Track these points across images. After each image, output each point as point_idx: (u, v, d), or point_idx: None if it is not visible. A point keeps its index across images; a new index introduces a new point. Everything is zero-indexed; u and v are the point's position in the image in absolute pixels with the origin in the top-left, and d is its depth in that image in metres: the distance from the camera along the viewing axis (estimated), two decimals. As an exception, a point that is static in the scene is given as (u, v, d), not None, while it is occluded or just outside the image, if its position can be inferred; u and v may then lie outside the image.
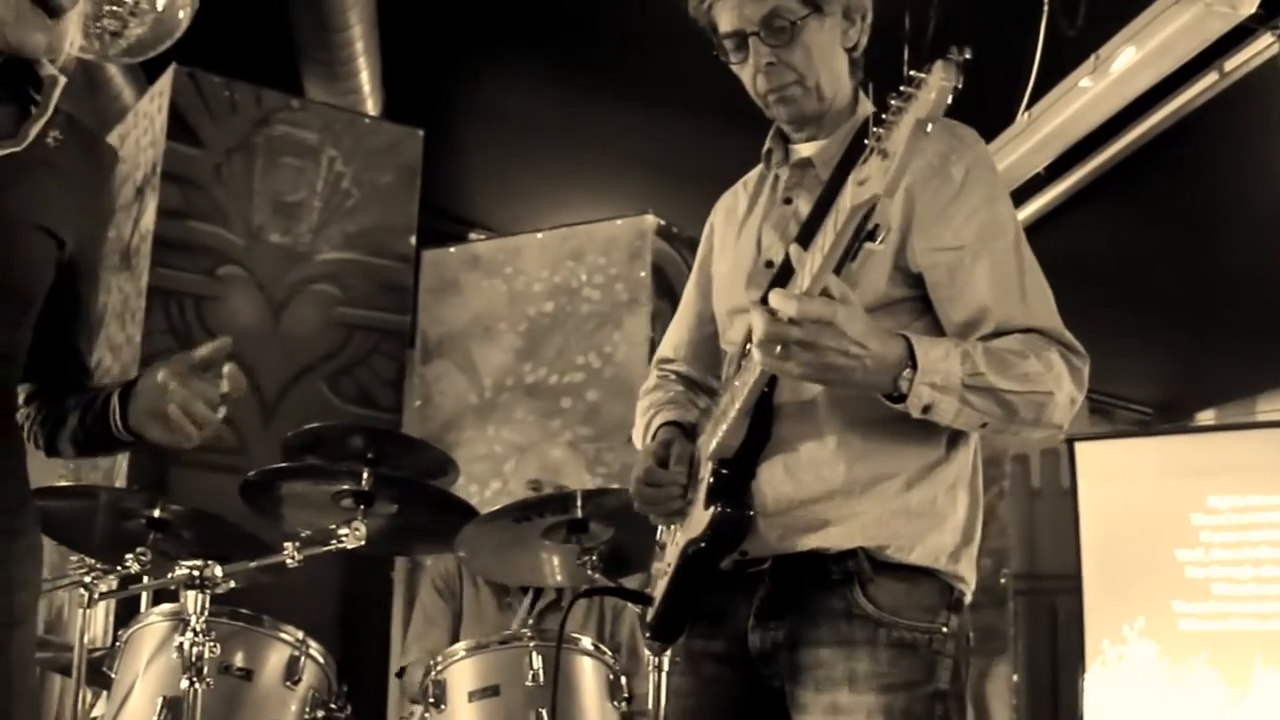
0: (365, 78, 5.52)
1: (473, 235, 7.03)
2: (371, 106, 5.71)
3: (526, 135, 6.24)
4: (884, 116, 1.69)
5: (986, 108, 4.74)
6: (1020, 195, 5.43)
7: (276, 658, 3.26)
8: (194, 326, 4.60)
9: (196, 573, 2.95)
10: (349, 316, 4.90)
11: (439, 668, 3.29)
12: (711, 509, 2.00)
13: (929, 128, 1.65)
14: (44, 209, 1.79)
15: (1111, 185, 5.55)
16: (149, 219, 4.58)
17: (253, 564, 3.10)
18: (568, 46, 5.66)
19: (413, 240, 5.10)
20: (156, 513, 3.30)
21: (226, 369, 1.77)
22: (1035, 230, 5.73)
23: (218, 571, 2.98)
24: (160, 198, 4.58)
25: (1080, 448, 5.32)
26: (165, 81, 4.69)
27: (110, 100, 5.23)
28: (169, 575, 3.00)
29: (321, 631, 4.08)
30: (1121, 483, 5.26)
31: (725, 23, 2.10)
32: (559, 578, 3.47)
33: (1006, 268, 1.99)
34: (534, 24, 5.55)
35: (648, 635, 2.17)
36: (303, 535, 3.25)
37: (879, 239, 1.90)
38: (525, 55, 5.70)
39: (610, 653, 3.37)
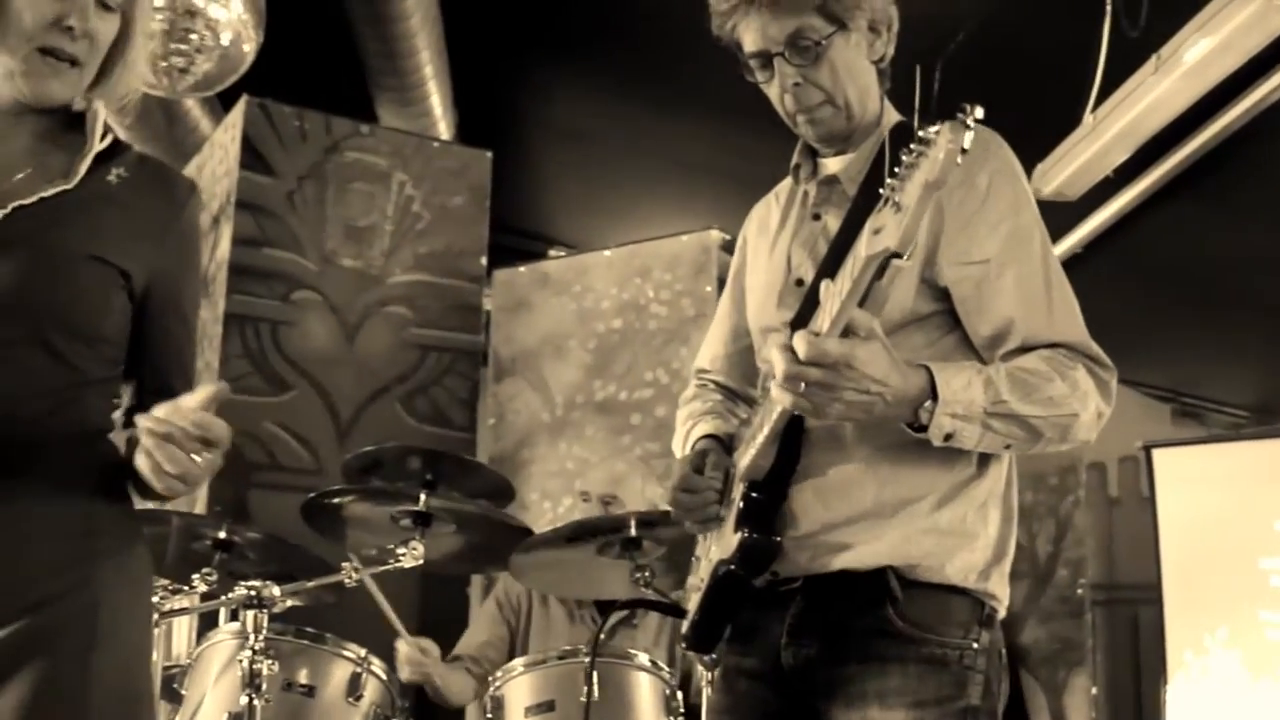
0: (436, 101, 5.60)
1: (552, 252, 7.10)
2: (444, 129, 5.79)
3: (598, 152, 6.29)
4: (897, 170, 1.72)
5: (1053, 111, 4.73)
6: (1095, 197, 5.36)
7: (339, 674, 3.33)
8: (270, 351, 4.70)
9: (254, 593, 3.02)
10: (422, 337, 4.98)
11: (497, 684, 3.34)
12: (740, 534, 2.02)
13: (939, 190, 1.67)
14: (99, 241, 1.83)
15: (1193, 184, 5.45)
16: (224, 247, 4.70)
17: (310, 584, 3.16)
18: (634, 62, 5.70)
19: (483, 260, 5.16)
20: (222, 534, 3.38)
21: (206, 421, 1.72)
22: (1115, 233, 5.65)
23: (275, 591, 3.04)
24: (235, 226, 4.69)
25: (1159, 455, 5.20)
26: (237, 113, 4.80)
27: (188, 132, 5.37)
28: (227, 595, 3.07)
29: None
30: (1202, 489, 5.14)
31: (750, 42, 2.10)
32: (619, 593, 3.49)
33: (1033, 281, 1.99)
34: (601, 41, 5.60)
35: (683, 645, 2.20)
36: (360, 555, 3.32)
37: (906, 256, 1.92)
38: (592, 72, 5.75)
39: (668, 669, 3.38)
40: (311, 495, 3.35)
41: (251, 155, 4.76)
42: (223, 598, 3.10)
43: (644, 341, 4.97)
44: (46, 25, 1.81)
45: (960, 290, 2.01)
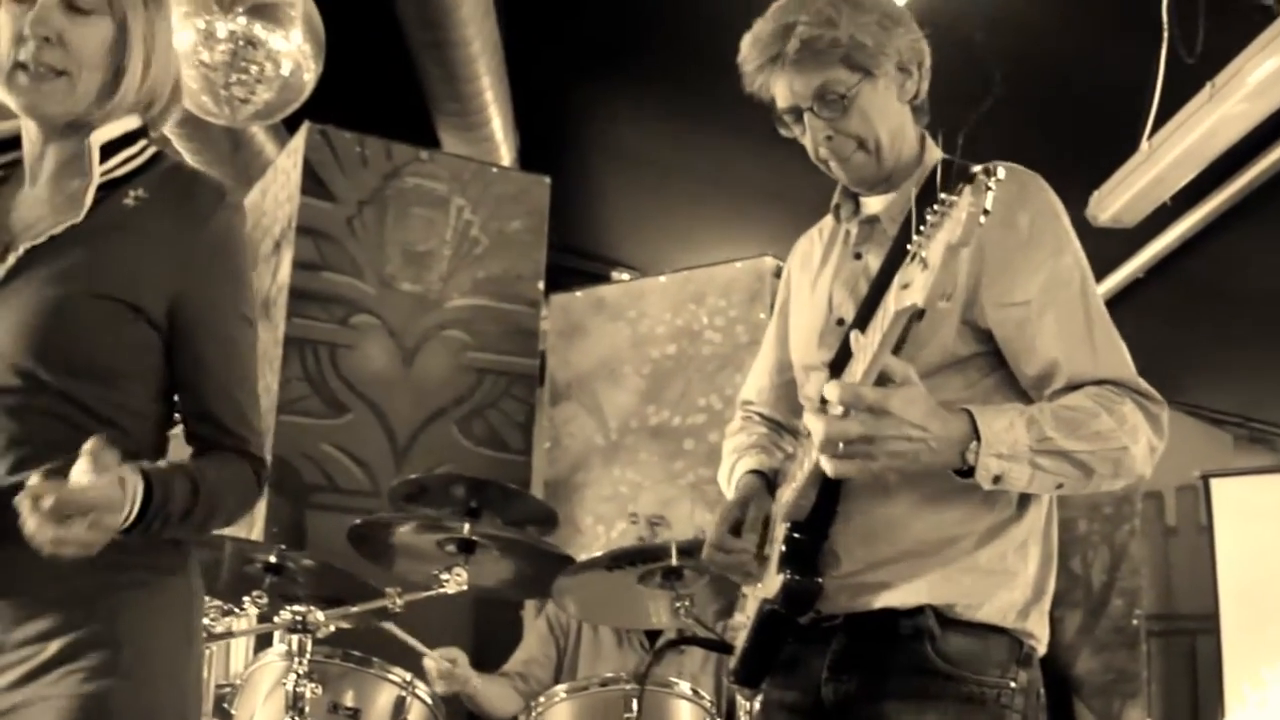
0: (498, 125, 5.67)
1: (614, 274, 7.16)
2: (505, 153, 5.86)
3: (658, 175, 6.33)
4: (922, 228, 1.74)
5: (1110, 138, 4.69)
6: (1156, 223, 5.31)
7: (385, 698, 3.39)
8: (328, 374, 4.78)
9: (299, 618, 3.08)
10: (479, 361, 5.03)
11: (539, 709, 3.37)
12: (782, 575, 2.05)
13: (963, 252, 1.68)
14: (103, 275, 1.78)
15: (1254, 209, 5.38)
16: (285, 271, 4.78)
17: (353, 610, 3.21)
18: (694, 87, 5.73)
19: (541, 285, 5.21)
20: (273, 558, 3.44)
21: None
22: (1177, 258, 5.59)
23: (319, 616, 3.10)
24: (295, 250, 4.78)
25: (1217, 484, 5.13)
26: (299, 139, 4.89)
27: (253, 156, 5.47)
28: (274, 619, 3.14)
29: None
30: (1261, 520, 5.05)
31: (781, 99, 2.11)
32: (662, 620, 3.52)
33: (1074, 320, 1.99)
34: (661, 65, 5.64)
35: (731, 681, 2.22)
36: (406, 580, 3.38)
37: (947, 296, 1.94)
38: (653, 96, 5.79)
39: (710, 697, 3.40)
40: (356, 523, 3.41)
41: (312, 181, 4.84)
42: (270, 621, 3.16)
43: (698, 367, 5.00)
44: (11, 42, 1.79)
45: (1003, 331, 2.02)
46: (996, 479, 1.89)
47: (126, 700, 1.73)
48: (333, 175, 4.89)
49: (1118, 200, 4.61)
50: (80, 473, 1.61)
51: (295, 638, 3.07)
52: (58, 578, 1.72)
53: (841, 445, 1.79)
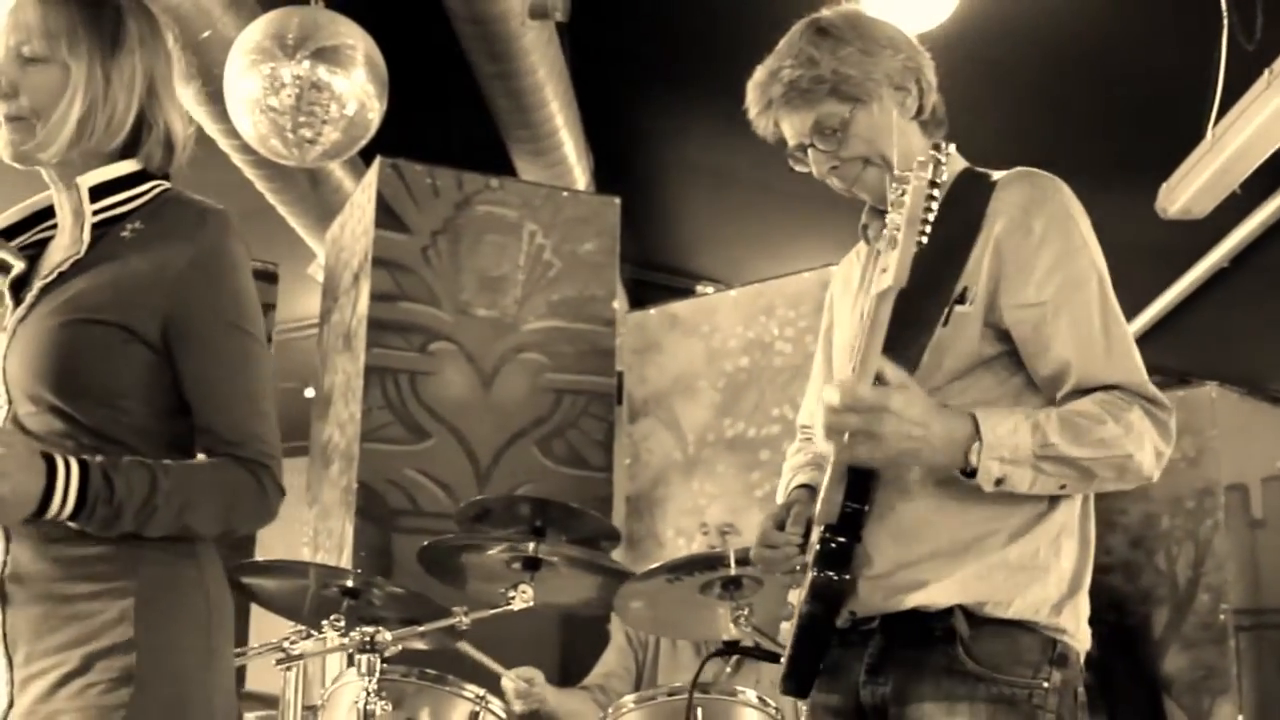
0: (570, 150, 5.78)
1: (699, 288, 7.21)
2: (579, 176, 5.96)
3: (732, 187, 6.38)
4: (888, 210, 1.85)
5: (1177, 129, 4.65)
6: (1236, 212, 5.25)
7: (458, 714, 3.48)
8: (409, 400, 4.90)
9: (368, 638, 3.19)
10: (557, 382, 5.12)
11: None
12: (810, 574, 2.11)
13: (919, 225, 1.78)
14: (96, 302, 1.88)
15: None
16: (363, 303, 4.92)
17: (420, 629, 3.31)
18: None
19: (615, 304, 5.28)
20: (349, 583, 3.56)
21: None
22: (1260, 246, 5.51)
23: (387, 636, 3.21)
24: (372, 282, 4.92)
25: (1308, 473, 5.06)
26: (372, 173, 5.04)
27: (332, 192, 5.64)
28: (343, 641, 3.25)
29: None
30: (1355, 509, 4.97)
31: (788, 137, 2.19)
32: (731, 630, 3.56)
33: (1088, 323, 2.03)
34: (726, 78, 5.68)
35: (781, 690, 2.27)
36: (476, 599, 3.47)
37: (968, 301, 2.01)
38: (719, 109, 5.82)
39: (775, 705, 3.44)
40: (424, 544, 3.51)
41: (386, 214, 4.98)
42: (339, 642, 3.27)
43: (770, 379, 5.04)
44: None
45: (1019, 333, 2.06)
46: (999, 481, 1.94)
47: (138, 707, 1.79)
48: (405, 207, 5.03)
49: (1185, 191, 4.57)
50: None
51: (364, 657, 3.16)
52: (77, 590, 1.82)
53: (845, 436, 1.89)
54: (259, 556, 5.18)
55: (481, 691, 3.50)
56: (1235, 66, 4.36)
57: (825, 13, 2.20)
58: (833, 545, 2.08)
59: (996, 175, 2.18)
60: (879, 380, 1.91)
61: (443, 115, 5.70)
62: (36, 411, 1.87)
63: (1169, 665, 4.61)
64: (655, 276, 7.19)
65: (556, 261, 5.21)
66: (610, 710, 3.47)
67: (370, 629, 3.19)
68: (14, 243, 2.04)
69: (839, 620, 2.13)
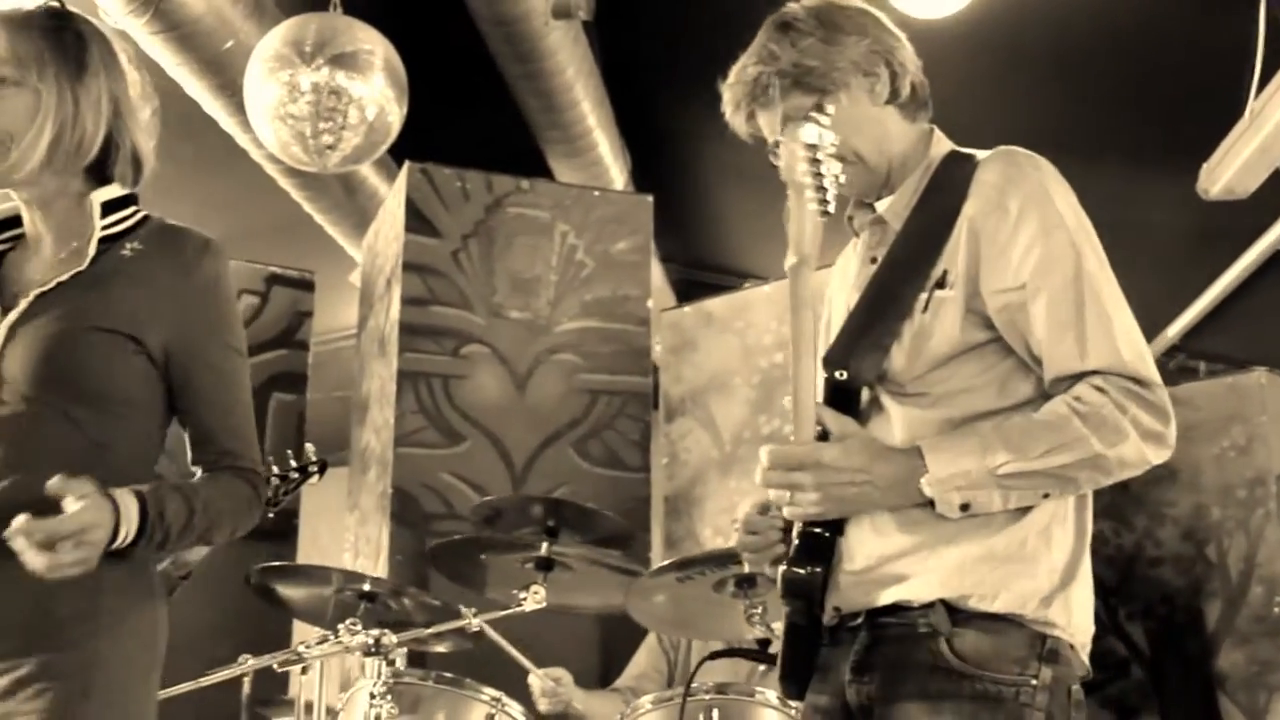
0: (605, 149, 5.74)
1: (747, 285, 7.13)
2: (616, 175, 5.93)
3: (777, 185, 6.30)
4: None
5: (1216, 106, 4.51)
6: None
7: (474, 717, 3.46)
8: (443, 404, 4.90)
9: (373, 641, 3.18)
10: (591, 383, 5.09)
11: (626, 721, 3.41)
12: (780, 569, 2.06)
13: (806, 193, 1.81)
14: (105, 312, 1.99)
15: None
16: (395, 308, 4.93)
17: (426, 631, 3.29)
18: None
19: (650, 304, 5.24)
20: (366, 586, 3.55)
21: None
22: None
23: (392, 639, 3.20)
24: (403, 287, 4.92)
25: (1364, 460, 4.85)
26: (401, 178, 5.04)
27: (367, 199, 5.64)
28: (346, 645, 3.24)
29: (582, 681, 4.27)
30: None
31: (765, 136, 2.15)
32: (737, 631, 3.51)
33: (1062, 307, 1.95)
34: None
35: (780, 693, 2.23)
36: (491, 600, 3.45)
37: (948, 285, 1.96)
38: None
39: (796, 706, 3.37)
40: (434, 544, 3.50)
41: (416, 218, 4.98)
42: (347, 645, 3.27)
43: (805, 374, 4.96)
44: None
45: (1000, 319, 1.99)
46: (964, 507, 1.91)
47: (100, 714, 1.89)
48: (435, 211, 5.02)
49: (1226, 171, 4.43)
50: (68, 503, 1.82)
51: (369, 660, 3.16)
52: (53, 595, 1.87)
53: (787, 494, 1.94)
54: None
55: (498, 694, 3.48)
56: (1274, 41, 4.23)
57: (792, 6, 2.17)
58: (812, 537, 2.03)
59: (981, 155, 2.12)
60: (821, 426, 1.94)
61: (477, 119, 5.69)
62: (29, 412, 1.94)
63: (1223, 661, 4.47)
64: (703, 275, 7.13)
65: (589, 262, 5.18)
66: (629, 710, 3.42)
67: (376, 632, 3.17)
68: None
69: (825, 618, 2.08)
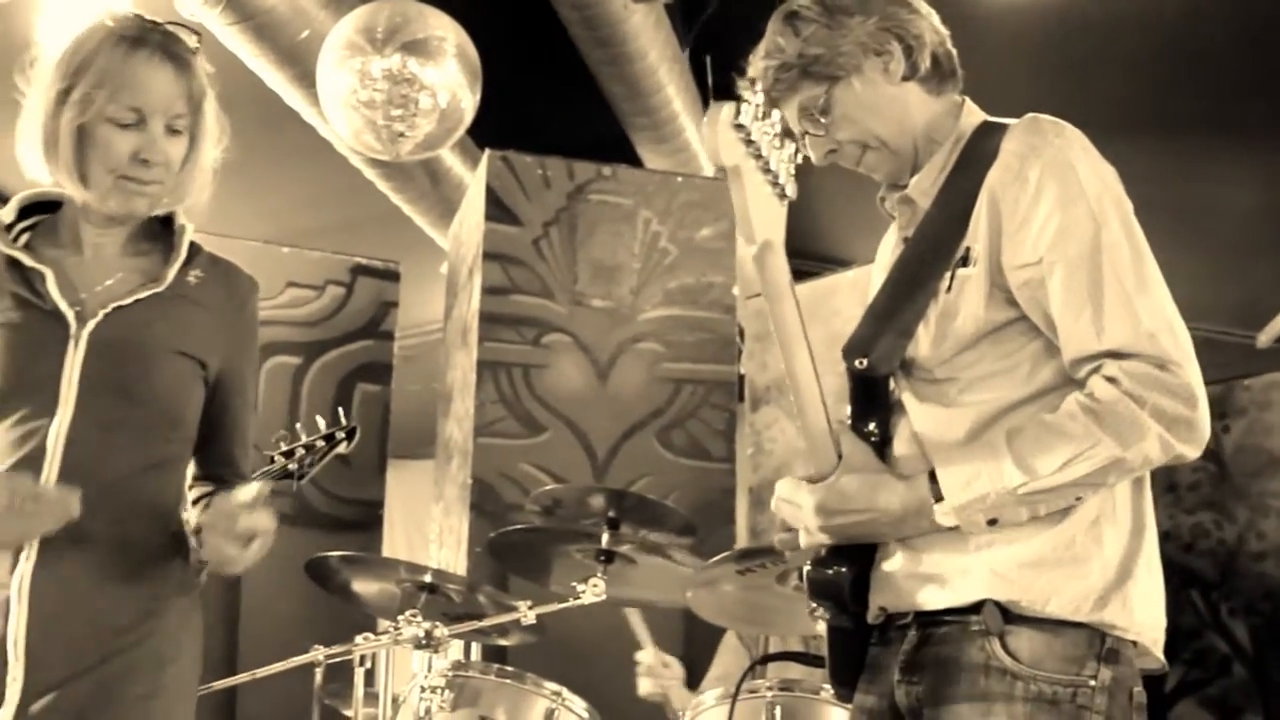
0: (692, 134, 5.66)
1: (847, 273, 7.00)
2: (705, 160, 5.83)
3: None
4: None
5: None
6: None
7: (534, 711, 3.40)
8: (523, 394, 4.85)
9: (424, 634, 3.14)
10: (675, 371, 5.00)
11: (686, 718, 3.33)
12: (806, 569, 2.01)
13: (747, 175, 1.78)
14: (184, 337, 2.12)
15: None
16: (476, 297, 4.89)
17: (480, 624, 3.24)
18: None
19: (735, 290, 5.14)
20: (427, 578, 3.51)
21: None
22: None
23: (444, 632, 3.16)
24: (483, 276, 4.88)
25: None
26: (482, 167, 5.00)
27: (452, 189, 5.63)
28: (399, 638, 3.20)
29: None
30: None
31: (794, 129, 2.09)
32: (797, 627, 3.41)
33: (1079, 282, 1.84)
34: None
35: (832, 695, 2.17)
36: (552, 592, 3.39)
37: (971, 263, 1.87)
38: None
39: (862, 703, 3.26)
40: (493, 535, 3.45)
41: (496, 207, 4.94)
42: (400, 638, 3.24)
43: (891, 361, 4.82)
44: (126, 158, 2.07)
45: (1022, 296, 1.89)
46: (992, 522, 1.83)
47: (163, 713, 2.04)
48: (516, 199, 4.97)
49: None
50: (243, 493, 2.01)
51: (421, 653, 3.12)
52: (116, 601, 2.01)
53: (801, 531, 1.94)
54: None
55: (559, 689, 3.41)
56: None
57: None
58: None
59: (1003, 121, 2.01)
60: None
61: (567, 106, 5.63)
62: (107, 425, 2.03)
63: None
64: (797, 263, 6.98)
65: (673, 249, 5.09)
66: (689, 710, 3.34)
67: (427, 624, 3.14)
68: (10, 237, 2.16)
69: (871, 616, 2.00)
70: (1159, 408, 1.76)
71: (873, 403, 2.03)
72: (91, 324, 2.04)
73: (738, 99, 1.74)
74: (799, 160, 1.88)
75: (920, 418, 1.95)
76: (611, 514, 3.40)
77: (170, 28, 2.15)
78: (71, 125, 2.05)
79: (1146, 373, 1.77)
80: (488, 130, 5.05)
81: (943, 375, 1.93)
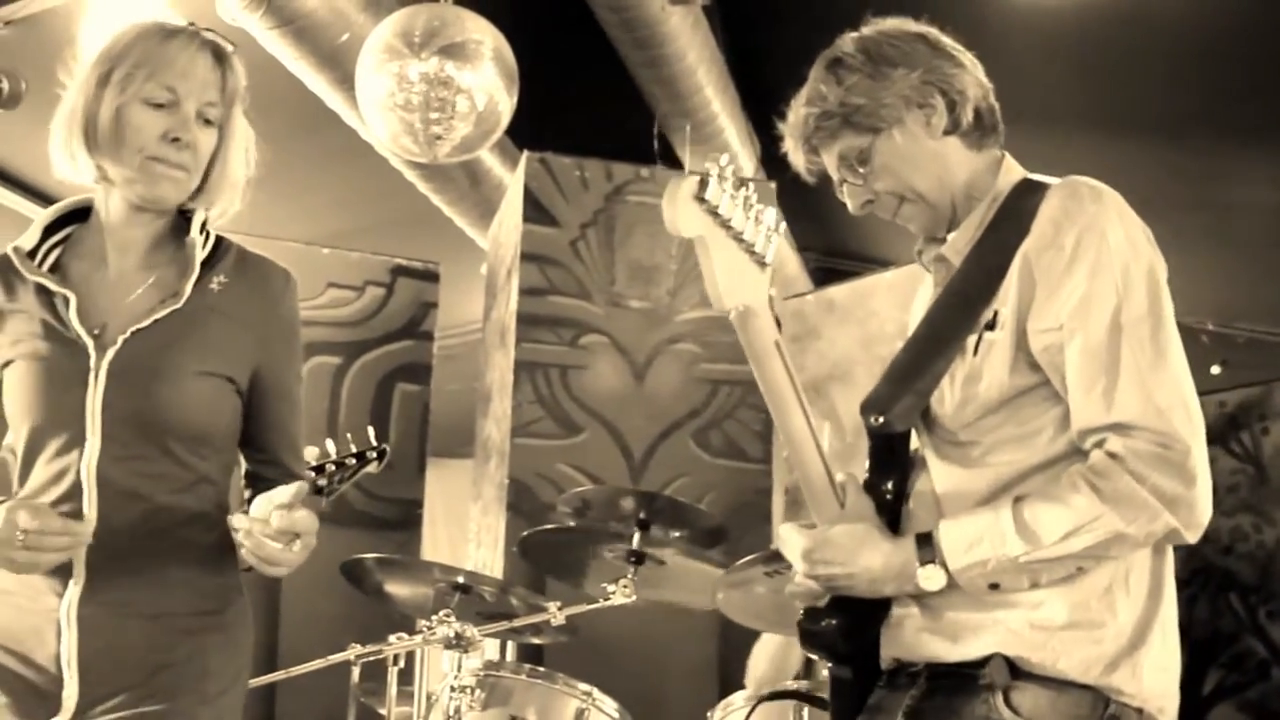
0: (733, 135, 5.66)
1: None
2: (746, 161, 5.84)
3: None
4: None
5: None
6: None
7: (564, 711, 3.43)
8: (560, 395, 4.88)
9: (454, 634, 3.17)
10: (712, 372, 5.02)
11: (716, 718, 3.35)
12: (798, 619, 2.02)
13: (717, 243, 1.77)
14: (206, 355, 2.07)
15: None
16: (514, 299, 4.92)
17: (509, 624, 3.27)
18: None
19: (772, 292, 5.13)
20: (460, 579, 3.54)
21: None
22: None
23: (474, 632, 3.18)
24: (521, 277, 4.91)
25: None
26: (520, 168, 5.03)
27: (492, 190, 5.65)
28: (429, 638, 3.23)
29: (700, 676, 4.23)
30: None
31: (832, 175, 2.09)
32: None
33: (1094, 355, 1.82)
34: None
35: None
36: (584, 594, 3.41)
37: (998, 327, 1.85)
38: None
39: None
40: (524, 535, 3.47)
41: (534, 208, 4.97)
42: (429, 638, 3.26)
43: (927, 363, 4.81)
44: (157, 138, 2.05)
45: (1043, 360, 1.86)
46: (993, 586, 1.82)
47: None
48: (554, 200, 5.01)
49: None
50: (280, 494, 1.94)
51: (449, 654, 3.15)
52: (162, 617, 2.03)
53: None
54: (426, 557, 5.26)
55: (589, 689, 3.43)
56: None
57: (845, 38, 2.07)
58: None
59: (1040, 179, 1.99)
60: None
61: (607, 109, 5.65)
62: (137, 454, 2.02)
63: None
64: (840, 263, 7.00)
65: (710, 249, 5.08)
66: (719, 710, 3.35)
67: (457, 625, 3.16)
68: (36, 262, 2.15)
69: (884, 664, 1.98)
70: (1158, 487, 1.74)
71: (891, 459, 1.99)
72: (110, 353, 2.03)
73: (703, 175, 1.73)
74: (780, 230, 1.85)
75: (941, 476, 1.94)
76: (642, 515, 3.42)
77: (206, 32, 2.16)
78: (111, 107, 2.05)
79: (1149, 450, 1.76)
80: (527, 132, 5.08)
81: (965, 438, 1.91)
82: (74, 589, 1.99)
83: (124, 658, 1.99)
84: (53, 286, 2.07)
